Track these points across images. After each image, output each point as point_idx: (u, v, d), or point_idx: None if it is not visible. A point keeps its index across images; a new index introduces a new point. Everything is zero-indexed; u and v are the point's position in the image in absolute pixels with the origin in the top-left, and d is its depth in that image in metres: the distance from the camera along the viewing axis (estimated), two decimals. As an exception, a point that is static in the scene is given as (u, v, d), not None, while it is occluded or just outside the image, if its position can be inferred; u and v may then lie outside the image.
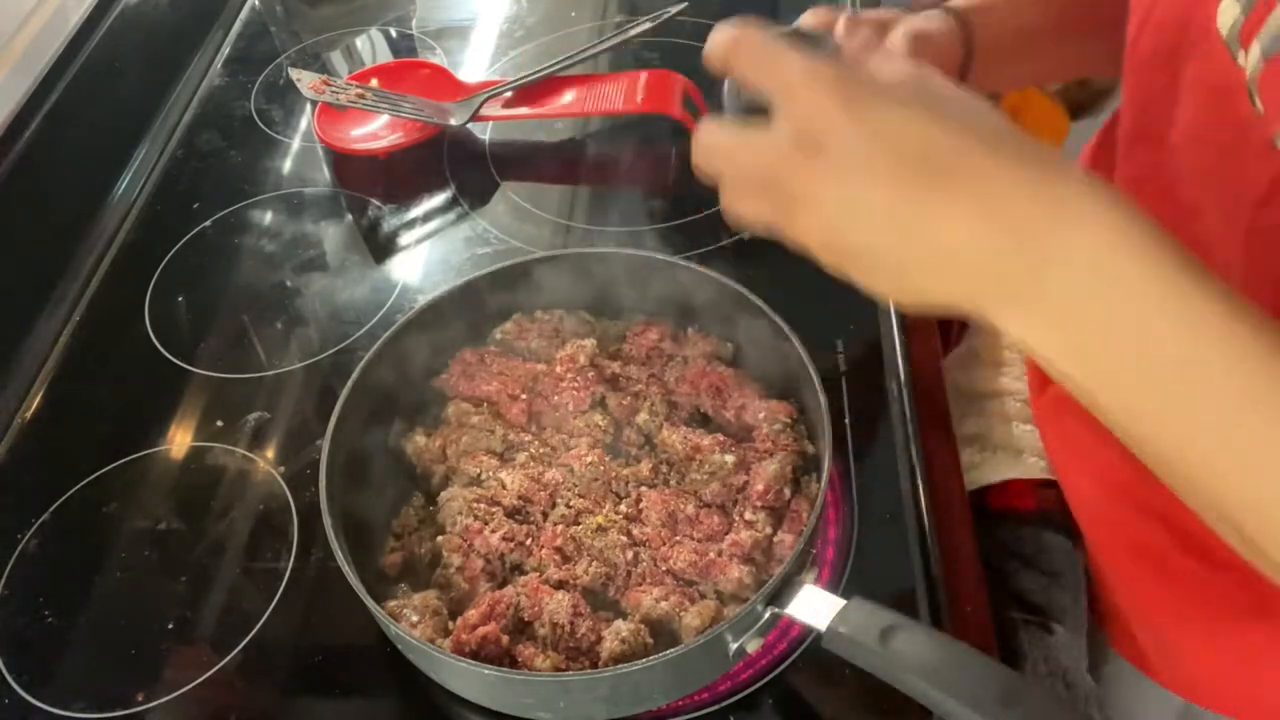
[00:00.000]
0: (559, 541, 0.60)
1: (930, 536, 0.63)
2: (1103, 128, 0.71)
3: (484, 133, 0.96)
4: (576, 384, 0.67)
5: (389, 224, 0.89)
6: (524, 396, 0.68)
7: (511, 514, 0.62)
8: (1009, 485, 0.73)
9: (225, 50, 1.10)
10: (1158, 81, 0.53)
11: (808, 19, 0.58)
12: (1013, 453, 0.73)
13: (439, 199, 0.90)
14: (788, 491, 0.61)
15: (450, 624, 0.57)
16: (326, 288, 0.84)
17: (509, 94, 0.94)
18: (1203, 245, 0.41)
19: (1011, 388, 0.76)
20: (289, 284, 0.85)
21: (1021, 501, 0.73)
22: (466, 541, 0.60)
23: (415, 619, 0.56)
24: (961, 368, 0.80)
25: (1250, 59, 0.43)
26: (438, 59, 1.05)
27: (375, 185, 0.92)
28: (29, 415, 0.77)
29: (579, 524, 0.61)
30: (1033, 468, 0.73)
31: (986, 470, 0.73)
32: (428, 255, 0.86)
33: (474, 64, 1.05)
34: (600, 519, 0.61)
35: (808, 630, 0.52)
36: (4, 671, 0.62)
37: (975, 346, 0.81)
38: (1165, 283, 0.36)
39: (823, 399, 0.60)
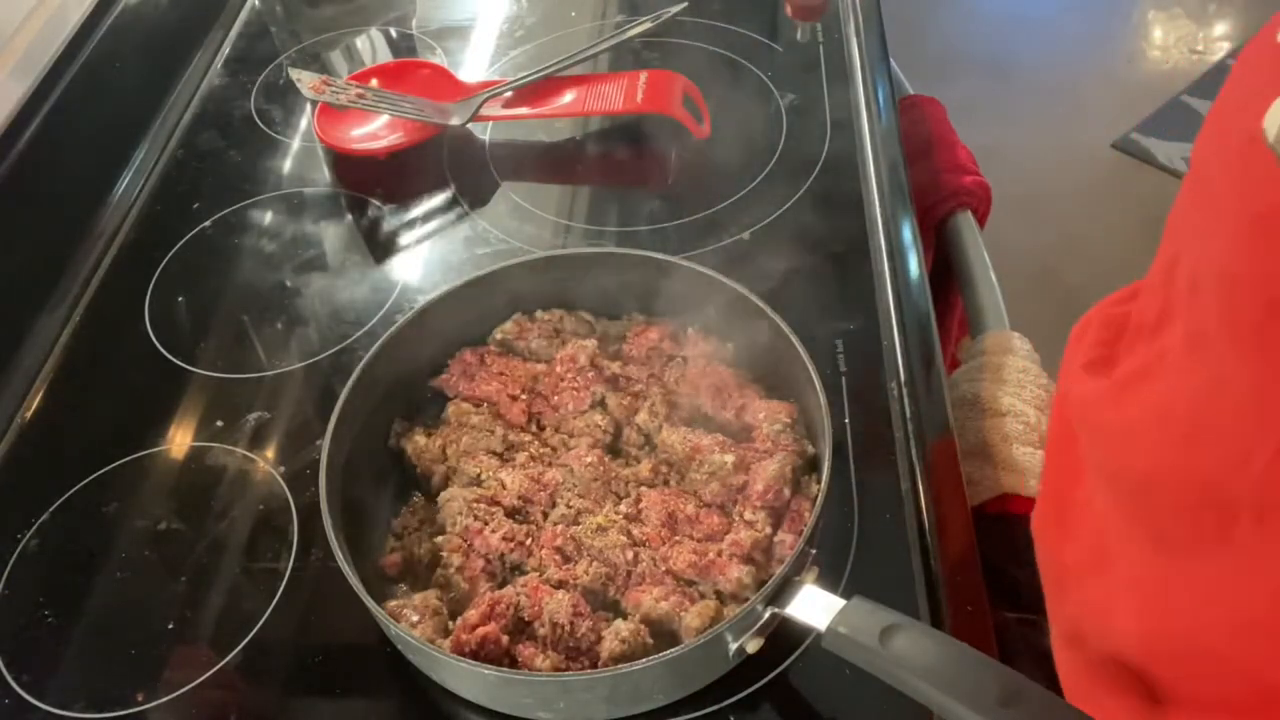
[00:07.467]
0: (559, 541, 0.60)
1: (930, 536, 0.63)
2: None
3: (484, 133, 0.96)
4: (576, 384, 0.67)
5: (389, 224, 0.89)
6: (524, 396, 0.68)
7: (511, 514, 0.62)
8: (1007, 496, 0.73)
9: (225, 50, 1.10)
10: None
11: None
12: (1014, 472, 0.73)
13: (439, 199, 0.90)
14: (788, 491, 0.61)
15: (450, 624, 0.57)
16: (326, 288, 0.84)
17: (509, 94, 0.94)
18: None
19: (1016, 408, 0.75)
20: (289, 284, 0.85)
21: (1019, 509, 0.72)
22: (466, 541, 0.60)
23: (415, 619, 0.56)
24: (967, 380, 0.79)
25: None
26: (438, 59, 1.05)
27: (375, 185, 0.92)
28: (29, 415, 0.77)
29: (579, 524, 0.61)
30: (1033, 489, 0.72)
31: (986, 487, 0.73)
32: (428, 255, 0.86)
33: (474, 64, 1.05)
34: (600, 519, 0.61)
35: (807, 630, 0.52)
36: (4, 671, 0.62)
37: (982, 364, 0.80)
38: None
39: (823, 399, 0.60)
